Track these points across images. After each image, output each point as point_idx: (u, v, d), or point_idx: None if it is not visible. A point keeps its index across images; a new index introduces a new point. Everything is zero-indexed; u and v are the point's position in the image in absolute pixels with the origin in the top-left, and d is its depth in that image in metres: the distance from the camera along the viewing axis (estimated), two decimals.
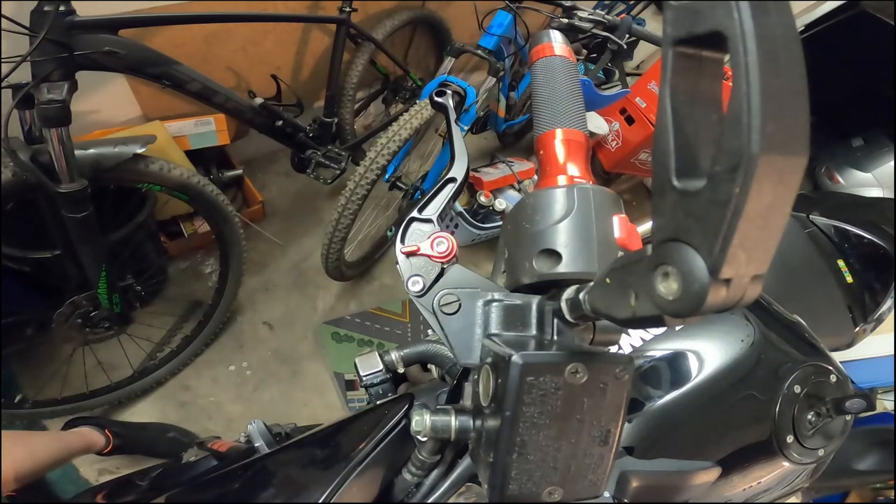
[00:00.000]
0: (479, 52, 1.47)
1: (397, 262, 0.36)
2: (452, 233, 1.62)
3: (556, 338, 0.32)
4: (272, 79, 1.54)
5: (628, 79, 2.17)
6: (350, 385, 1.58)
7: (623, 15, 1.39)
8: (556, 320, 0.32)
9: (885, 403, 1.37)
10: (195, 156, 1.58)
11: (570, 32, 1.31)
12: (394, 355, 0.56)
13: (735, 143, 0.15)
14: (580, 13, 1.31)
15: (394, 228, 1.83)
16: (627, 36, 1.33)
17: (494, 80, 1.50)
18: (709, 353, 0.53)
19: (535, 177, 1.79)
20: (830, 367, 0.54)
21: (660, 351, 0.54)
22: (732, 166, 0.15)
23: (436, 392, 0.47)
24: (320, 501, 0.40)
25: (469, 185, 1.83)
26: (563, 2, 1.31)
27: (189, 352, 1.48)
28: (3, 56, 0.85)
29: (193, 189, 1.19)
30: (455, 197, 0.40)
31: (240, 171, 1.75)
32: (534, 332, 0.33)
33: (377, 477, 0.41)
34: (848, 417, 0.53)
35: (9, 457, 0.74)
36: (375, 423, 0.43)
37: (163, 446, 1.34)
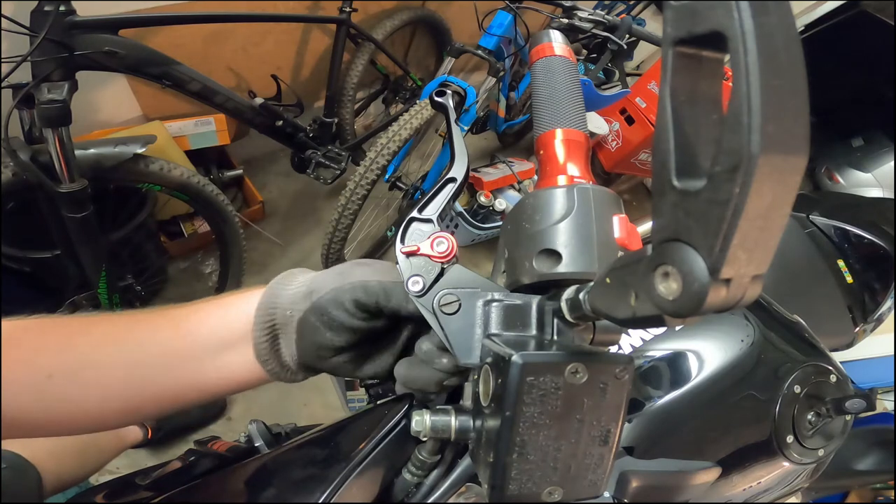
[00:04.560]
0: (479, 52, 1.47)
1: (397, 262, 0.36)
2: (452, 233, 1.62)
3: (556, 338, 0.32)
4: (272, 79, 1.54)
5: (628, 79, 2.17)
6: (350, 385, 1.57)
7: (623, 15, 1.39)
8: (556, 320, 0.32)
9: (885, 403, 1.37)
10: (195, 156, 1.58)
11: (570, 32, 1.31)
12: None
13: (735, 143, 0.15)
14: (580, 13, 1.31)
15: (394, 228, 1.83)
16: (627, 36, 1.33)
17: (494, 80, 1.50)
18: (709, 353, 0.53)
19: (535, 177, 1.79)
20: (830, 367, 0.54)
21: (660, 351, 0.54)
22: (732, 166, 0.15)
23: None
24: (320, 501, 0.40)
25: (469, 185, 1.83)
26: (563, 2, 1.32)
27: None
28: (3, 56, 0.85)
29: (193, 189, 1.19)
30: (455, 197, 0.40)
31: (240, 171, 1.76)
32: (534, 332, 0.33)
33: (377, 477, 0.41)
34: (848, 417, 0.52)
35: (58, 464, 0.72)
36: (375, 423, 0.43)
37: (194, 412, 1.35)
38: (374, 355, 0.39)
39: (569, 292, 0.29)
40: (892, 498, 1.37)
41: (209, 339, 0.37)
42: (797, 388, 0.51)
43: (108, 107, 1.45)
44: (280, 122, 1.47)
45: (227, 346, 0.37)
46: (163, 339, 0.37)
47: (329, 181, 1.66)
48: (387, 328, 0.38)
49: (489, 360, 0.30)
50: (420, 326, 0.38)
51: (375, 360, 0.39)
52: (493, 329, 0.33)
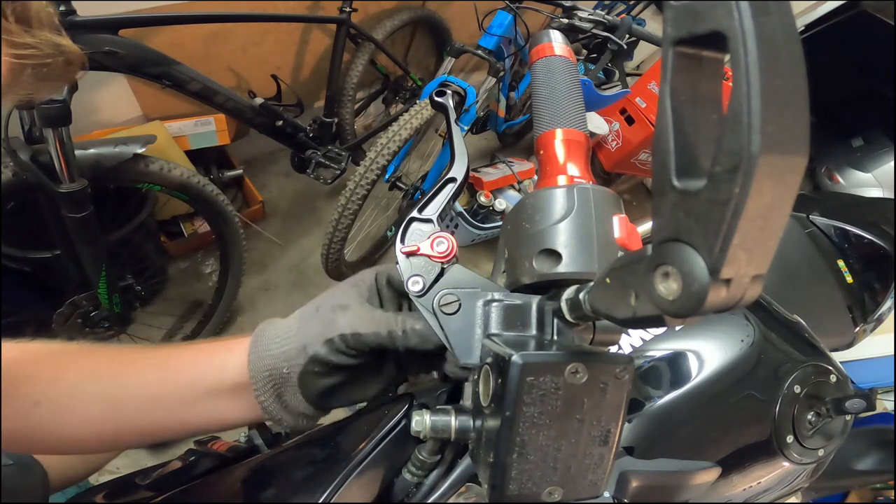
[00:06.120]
0: (479, 52, 1.47)
1: (397, 262, 0.36)
2: (452, 233, 1.61)
3: (556, 338, 0.32)
4: (272, 79, 1.54)
5: (628, 79, 2.17)
6: None
7: (623, 15, 1.39)
8: (556, 320, 0.32)
9: (885, 403, 1.36)
10: (195, 156, 1.58)
11: (570, 32, 1.31)
12: None
13: (735, 143, 0.15)
14: (580, 13, 1.31)
15: (394, 228, 1.83)
16: (627, 36, 1.33)
17: (494, 80, 1.50)
18: (709, 353, 0.53)
19: (535, 177, 1.79)
20: (830, 367, 0.54)
21: (660, 351, 0.54)
22: (732, 166, 0.15)
23: (436, 392, 0.47)
24: (320, 501, 0.40)
25: (469, 185, 1.83)
26: (563, 2, 1.32)
27: None
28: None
29: (193, 189, 1.19)
30: (455, 197, 0.40)
31: (240, 171, 1.76)
32: (534, 332, 0.33)
33: (377, 477, 0.41)
34: (848, 417, 0.52)
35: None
36: (375, 423, 0.43)
37: None
38: (373, 376, 0.39)
39: (569, 292, 0.29)
40: (892, 498, 1.37)
41: (197, 385, 0.38)
42: (797, 388, 0.51)
43: (108, 107, 1.45)
44: (280, 122, 1.47)
45: (218, 395, 0.38)
46: (144, 382, 0.38)
47: (329, 181, 1.66)
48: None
49: (489, 360, 0.30)
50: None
51: (375, 380, 0.39)
52: (493, 329, 0.33)
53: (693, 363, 0.52)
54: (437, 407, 0.34)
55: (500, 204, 1.80)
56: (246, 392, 0.37)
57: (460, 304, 0.34)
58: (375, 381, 0.39)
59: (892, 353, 1.19)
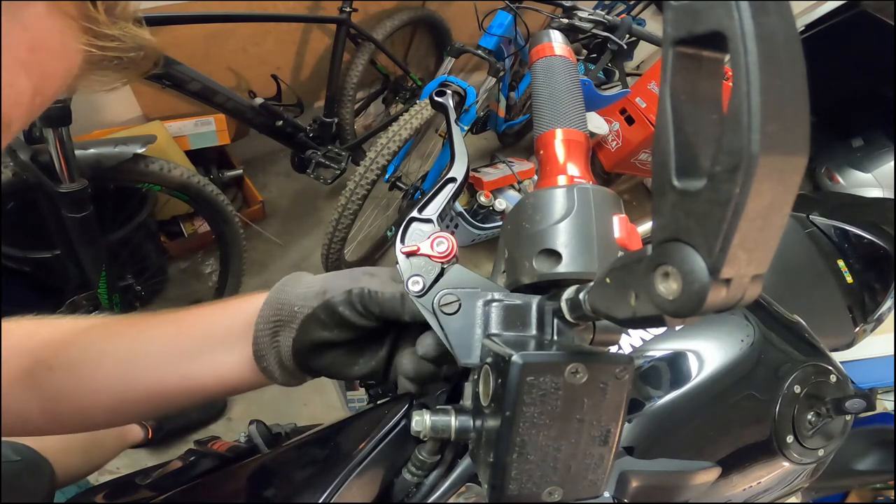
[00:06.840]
0: (479, 52, 1.47)
1: (397, 262, 0.36)
2: (452, 233, 1.61)
3: (556, 338, 0.32)
4: (272, 79, 1.54)
5: (628, 79, 2.17)
6: (350, 385, 1.57)
7: (623, 15, 1.39)
8: (556, 320, 0.32)
9: (885, 403, 1.36)
10: (195, 156, 1.58)
11: (571, 32, 1.31)
12: None
13: (735, 143, 0.15)
14: (580, 13, 1.31)
15: (394, 228, 1.83)
16: (627, 36, 1.33)
17: (494, 80, 1.50)
18: (709, 353, 0.53)
19: (535, 177, 1.79)
20: (830, 367, 0.54)
21: (660, 351, 0.54)
22: (732, 166, 0.15)
23: (436, 392, 0.47)
24: (320, 501, 0.40)
25: (469, 185, 1.83)
26: (563, 2, 1.32)
27: None
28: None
29: (193, 189, 1.19)
30: (455, 197, 0.40)
31: (240, 171, 1.76)
32: (534, 332, 0.33)
33: (377, 477, 0.41)
34: (848, 417, 0.52)
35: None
36: (375, 423, 0.43)
37: (194, 413, 1.36)
38: (363, 355, 0.40)
39: (569, 292, 0.29)
40: (892, 498, 1.37)
41: (206, 336, 0.38)
42: (797, 388, 0.51)
43: (109, 107, 1.45)
44: (280, 122, 1.47)
45: (223, 345, 0.38)
46: (161, 336, 0.38)
47: (329, 181, 1.66)
48: (377, 330, 0.39)
49: (489, 360, 0.30)
50: (408, 330, 0.39)
51: (364, 360, 0.40)
52: (493, 329, 0.33)
53: (693, 363, 0.52)
54: (437, 407, 0.34)
55: (500, 204, 1.80)
56: (250, 337, 0.37)
57: (460, 304, 0.34)
58: (365, 361, 0.39)
59: (892, 353, 1.19)
